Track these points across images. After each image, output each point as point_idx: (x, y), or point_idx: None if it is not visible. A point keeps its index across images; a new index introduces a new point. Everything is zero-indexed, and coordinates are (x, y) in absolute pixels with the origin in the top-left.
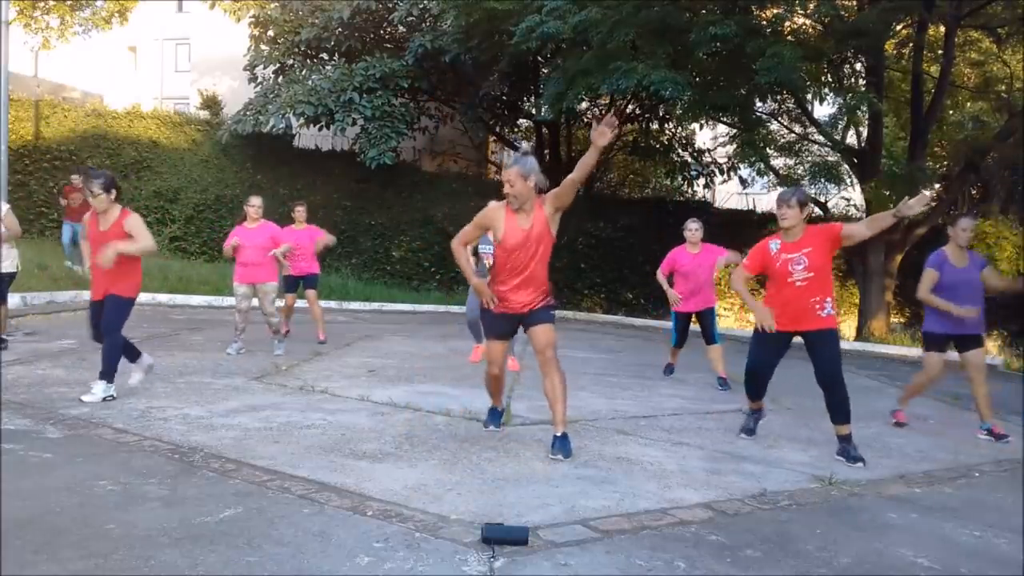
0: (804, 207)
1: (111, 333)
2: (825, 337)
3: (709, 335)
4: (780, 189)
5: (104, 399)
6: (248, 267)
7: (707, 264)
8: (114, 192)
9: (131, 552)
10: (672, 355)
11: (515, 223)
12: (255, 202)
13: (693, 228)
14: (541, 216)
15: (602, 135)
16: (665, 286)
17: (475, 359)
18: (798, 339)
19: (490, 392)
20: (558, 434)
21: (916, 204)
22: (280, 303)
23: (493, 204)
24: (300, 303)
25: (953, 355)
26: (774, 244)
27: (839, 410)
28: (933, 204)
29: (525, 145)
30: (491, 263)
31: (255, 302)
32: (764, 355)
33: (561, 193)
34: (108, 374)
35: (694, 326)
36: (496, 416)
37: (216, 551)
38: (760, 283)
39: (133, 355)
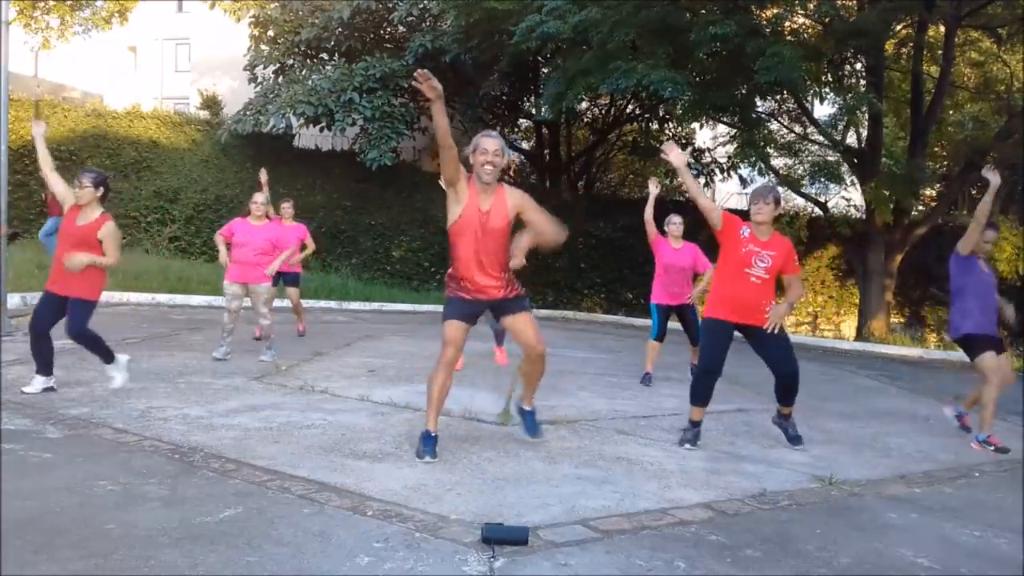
0: (777, 206)
1: (83, 336)
2: (773, 330)
3: (694, 335)
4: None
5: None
6: (242, 266)
7: (686, 263)
8: (102, 190)
9: (131, 552)
10: (649, 356)
11: (476, 201)
12: (259, 199)
13: (676, 222)
14: (502, 206)
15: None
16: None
17: (502, 361)
18: (795, 339)
19: (431, 399)
20: (528, 408)
21: (776, 316)
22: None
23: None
24: (285, 304)
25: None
26: (745, 230)
27: (790, 395)
28: (933, 204)
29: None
30: None
31: (246, 302)
32: (717, 350)
33: (530, 214)
34: (107, 356)
35: (676, 324)
36: (430, 443)
37: (216, 551)
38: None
39: (44, 367)
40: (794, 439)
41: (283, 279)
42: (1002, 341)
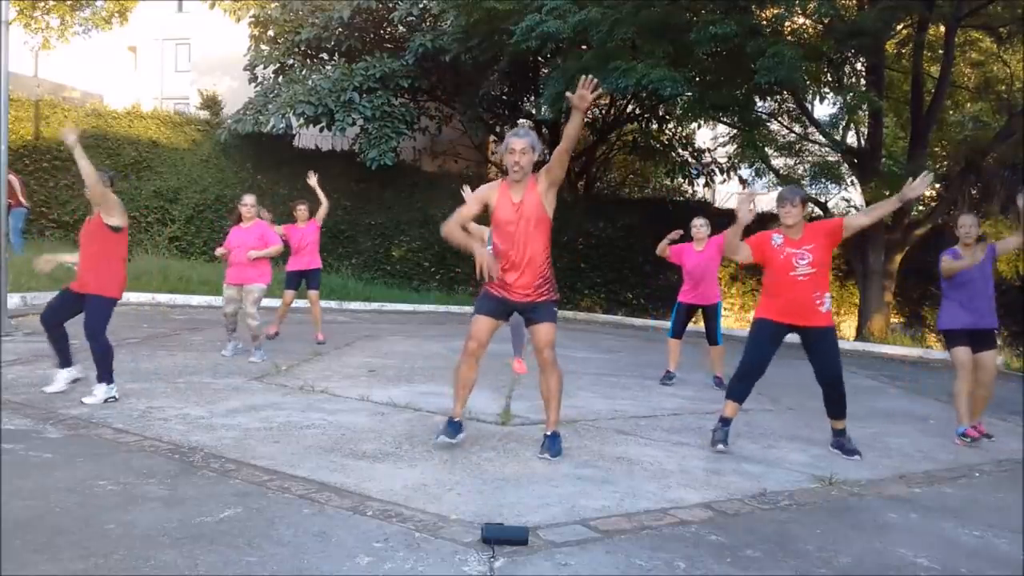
0: (805, 205)
1: (95, 338)
2: (826, 336)
3: (713, 335)
4: (780, 188)
5: (106, 400)
6: (236, 267)
7: (712, 259)
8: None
9: (131, 552)
10: (671, 355)
11: (507, 197)
12: (248, 201)
13: (699, 225)
14: (534, 193)
15: (582, 99)
16: (662, 245)
17: (521, 370)
18: (791, 337)
19: (455, 388)
20: (548, 433)
21: (919, 186)
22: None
23: (485, 186)
24: (301, 303)
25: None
26: (777, 238)
27: (839, 406)
28: (934, 203)
29: (525, 121)
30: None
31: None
32: (763, 351)
33: (552, 167)
34: (106, 376)
35: (694, 326)
36: (453, 428)
37: (216, 551)
38: (750, 274)
39: (63, 359)
40: (850, 452)
41: (304, 279)
42: (991, 333)
